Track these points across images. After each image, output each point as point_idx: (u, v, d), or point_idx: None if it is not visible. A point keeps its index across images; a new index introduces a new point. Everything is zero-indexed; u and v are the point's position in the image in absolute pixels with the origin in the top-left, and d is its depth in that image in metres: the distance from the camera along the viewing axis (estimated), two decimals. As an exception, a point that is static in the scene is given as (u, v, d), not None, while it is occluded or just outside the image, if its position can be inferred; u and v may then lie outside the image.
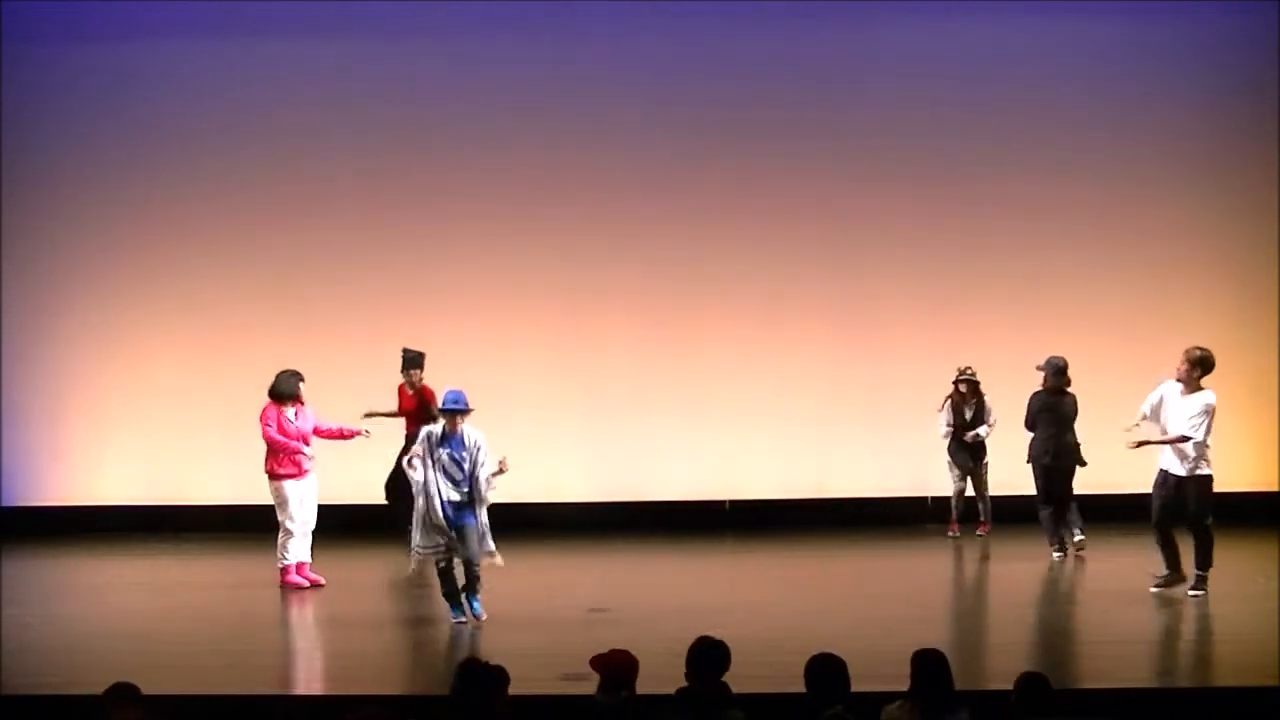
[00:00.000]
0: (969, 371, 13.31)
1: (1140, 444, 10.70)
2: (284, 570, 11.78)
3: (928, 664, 6.62)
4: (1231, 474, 14.04)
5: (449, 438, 10.17)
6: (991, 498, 13.57)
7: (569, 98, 14.53)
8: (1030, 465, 12.41)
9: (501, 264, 14.51)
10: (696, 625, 9.65)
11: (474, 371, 13.35)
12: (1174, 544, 10.77)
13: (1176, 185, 14.30)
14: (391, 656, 9.64)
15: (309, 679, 9.67)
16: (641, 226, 14.51)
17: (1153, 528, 10.79)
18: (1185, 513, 10.67)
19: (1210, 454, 10.68)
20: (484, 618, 10.24)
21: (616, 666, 6.83)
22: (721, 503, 14.48)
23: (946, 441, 13.41)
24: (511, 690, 6.67)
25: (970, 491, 13.55)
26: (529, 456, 13.50)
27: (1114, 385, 14.21)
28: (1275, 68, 13.95)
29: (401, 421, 13.28)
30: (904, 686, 6.67)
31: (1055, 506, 12.38)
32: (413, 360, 13.31)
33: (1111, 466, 14.22)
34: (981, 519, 13.56)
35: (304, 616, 11.24)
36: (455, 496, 10.20)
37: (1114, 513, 13.81)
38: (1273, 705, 7.98)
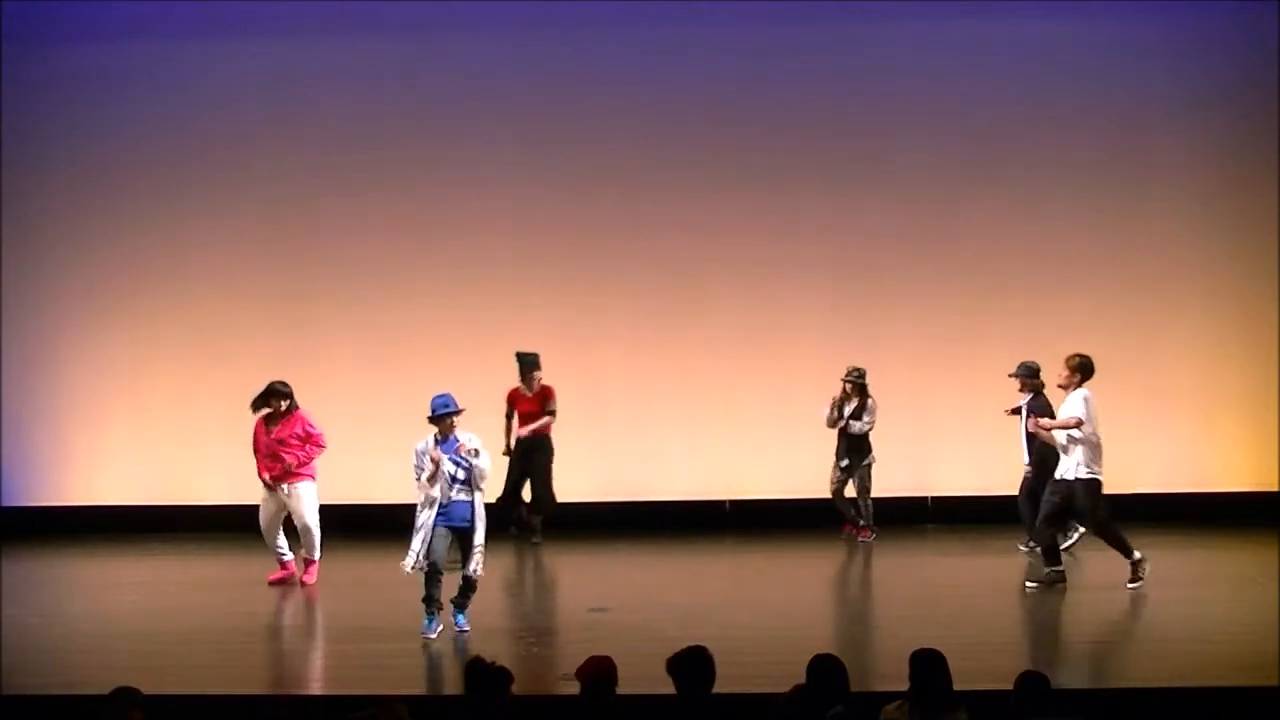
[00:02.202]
0: (855, 374, 13.22)
1: (1040, 425, 11.15)
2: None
3: (926, 664, 6.62)
4: (1231, 474, 14.12)
5: (441, 443, 10.16)
6: (989, 497, 13.53)
7: (569, 101, 14.53)
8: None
9: (501, 264, 14.50)
10: (697, 625, 9.72)
11: (474, 372, 13.38)
12: (1057, 544, 11.16)
13: (1176, 185, 14.29)
14: (393, 657, 9.63)
15: (310, 679, 9.67)
16: (642, 226, 14.51)
17: (1033, 526, 11.17)
18: (1075, 515, 11.04)
19: (1097, 456, 10.96)
20: (468, 630, 10.19)
21: (593, 673, 6.76)
22: (721, 503, 14.49)
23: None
24: (512, 690, 6.66)
25: (850, 492, 13.40)
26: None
27: (1114, 385, 14.24)
28: (1275, 68, 13.95)
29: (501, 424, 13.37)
30: (904, 686, 6.67)
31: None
32: (533, 362, 13.33)
33: (1112, 467, 14.27)
34: (862, 523, 13.37)
35: (304, 617, 11.24)
36: (463, 496, 10.20)
37: (1115, 512, 13.85)
38: (1273, 705, 7.98)
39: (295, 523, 11.96)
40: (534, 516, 13.51)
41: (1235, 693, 8.17)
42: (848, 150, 14.42)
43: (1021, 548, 12.45)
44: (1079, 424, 10.92)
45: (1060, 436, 11.07)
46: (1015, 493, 12.87)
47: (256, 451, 11.95)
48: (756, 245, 14.42)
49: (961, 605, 10.73)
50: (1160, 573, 11.88)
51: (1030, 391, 12.38)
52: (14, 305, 14.80)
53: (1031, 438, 12.19)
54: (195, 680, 8.78)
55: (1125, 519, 13.59)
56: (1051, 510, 11.10)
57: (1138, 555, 11.04)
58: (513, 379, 13.57)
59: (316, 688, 9.39)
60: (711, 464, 14.42)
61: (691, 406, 14.43)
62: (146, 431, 14.70)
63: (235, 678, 9.07)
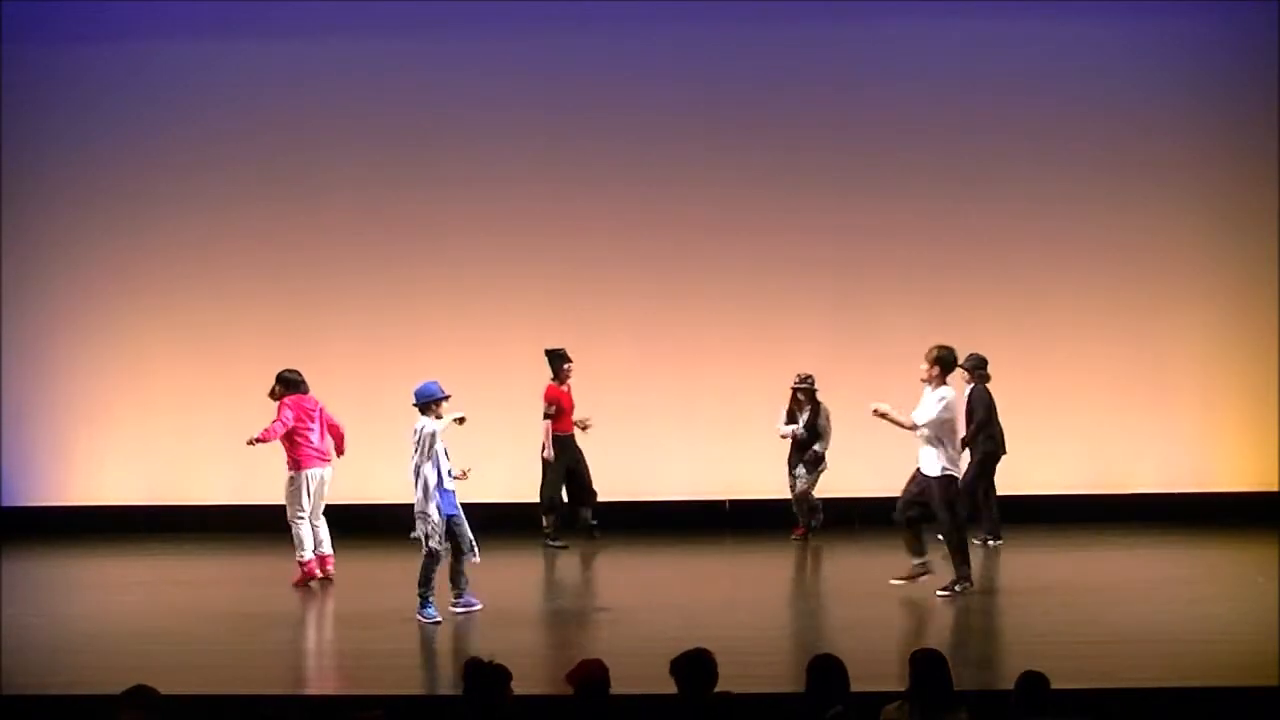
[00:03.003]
0: (807, 380, 13.28)
1: (878, 413, 10.80)
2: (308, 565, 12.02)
3: (927, 664, 6.62)
4: (1231, 474, 14.11)
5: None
6: (998, 497, 13.52)
7: (568, 102, 14.52)
8: (987, 457, 12.69)
9: (501, 264, 14.50)
10: (696, 625, 9.72)
11: (474, 372, 13.38)
12: (919, 537, 10.93)
13: (1176, 185, 14.27)
14: (393, 657, 9.63)
15: (312, 679, 9.67)
16: (641, 227, 14.51)
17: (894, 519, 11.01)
18: (930, 513, 10.90)
19: (951, 454, 10.86)
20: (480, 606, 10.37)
21: (585, 676, 6.75)
22: (721, 503, 14.49)
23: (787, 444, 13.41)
24: (512, 689, 6.66)
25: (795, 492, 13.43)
26: (529, 456, 13.55)
27: (1114, 386, 14.26)
28: (1275, 68, 13.95)
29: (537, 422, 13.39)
30: (903, 686, 6.68)
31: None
32: (565, 358, 13.32)
33: (1112, 467, 14.29)
34: (799, 524, 13.44)
35: (306, 617, 11.25)
36: (451, 486, 10.37)
37: (1115, 512, 13.87)
38: (1273, 705, 7.99)
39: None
40: (585, 510, 13.57)
41: (1235, 693, 8.17)
42: (849, 150, 14.41)
43: (974, 542, 12.46)
44: (913, 427, 10.72)
45: (920, 431, 10.80)
46: (1014, 492, 12.89)
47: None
48: (757, 245, 14.41)
49: (961, 605, 10.72)
50: (1160, 572, 11.90)
51: (975, 382, 12.61)
52: (14, 304, 14.80)
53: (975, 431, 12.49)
54: (195, 680, 8.78)
55: (1125, 519, 13.69)
56: (909, 498, 10.94)
57: (967, 572, 10.86)
58: (513, 379, 13.55)
59: (317, 688, 9.39)
60: (711, 464, 14.42)
61: (691, 406, 14.43)
62: (147, 431, 14.70)
63: (235, 678, 9.07)
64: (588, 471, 13.51)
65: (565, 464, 13.37)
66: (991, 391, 12.81)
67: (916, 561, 10.95)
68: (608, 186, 14.54)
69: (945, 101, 14.33)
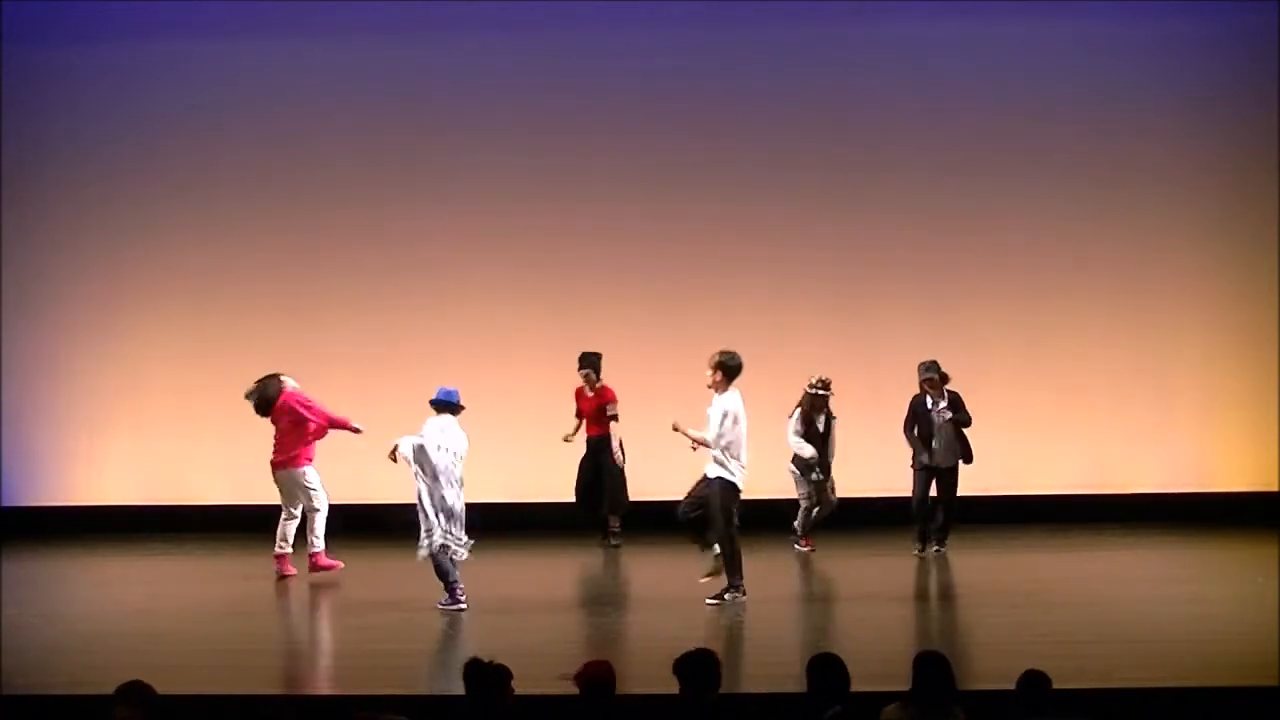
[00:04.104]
0: (828, 385, 12.73)
1: (676, 428, 10.75)
2: (316, 555, 12.05)
3: (929, 665, 6.62)
4: (1231, 474, 14.11)
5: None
6: (989, 497, 13.53)
7: (569, 107, 14.53)
8: (925, 468, 12.44)
9: (501, 266, 14.50)
10: (696, 625, 9.72)
11: (474, 372, 13.37)
12: (701, 534, 10.84)
13: (1176, 186, 14.28)
14: (393, 657, 9.64)
15: (311, 679, 9.67)
16: (641, 228, 14.52)
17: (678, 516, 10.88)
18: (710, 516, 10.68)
19: (735, 463, 10.62)
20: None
21: (592, 677, 6.75)
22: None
23: (801, 450, 12.73)
24: (512, 689, 6.66)
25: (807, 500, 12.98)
26: (529, 456, 13.56)
27: (1114, 387, 14.26)
28: (1276, 71, 13.95)
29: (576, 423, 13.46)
30: (903, 686, 6.68)
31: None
32: (592, 361, 13.28)
33: (1112, 467, 14.28)
34: (806, 535, 12.99)
35: (307, 616, 11.25)
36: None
37: (1115, 512, 13.87)
38: (1273, 705, 7.99)
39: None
40: (613, 517, 13.51)
41: (1235, 693, 8.17)
42: (849, 153, 14.41)
43: (915, 554, 12.42)
44: (707, 444, 10.63)
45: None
46: (1014, 492, 12.89)
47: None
48: (756, 245, 14.42)
49: (961, 605, 10.72)
50: (1160, 572, 11.92)
51: (920, 390, 12.40)
52: (15, 305, 14.79)
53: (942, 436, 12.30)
54: (195, 680, 8.77)
55: (1125, 519, 13.69)
56: (692, 499, 10.82)
57: (739, 582, 10.66)
58: (513, 379, 13.56)
59: (317, 688, 9.39)
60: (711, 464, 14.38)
61: (691, 407, 14.39)
62: (147, 431, 14.70)
63: (235, 678, 9.06)
64: (617, 479, 13.40)
65: (593, 468, 13.37)
66: (952, 397, 12.47)
67: (715, 553, 10.77)
68: (607, 189, 14.54)
69: (945, 103, 14.33)
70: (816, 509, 12.90)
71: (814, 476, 12.79)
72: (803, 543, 12.98)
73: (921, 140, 14.35)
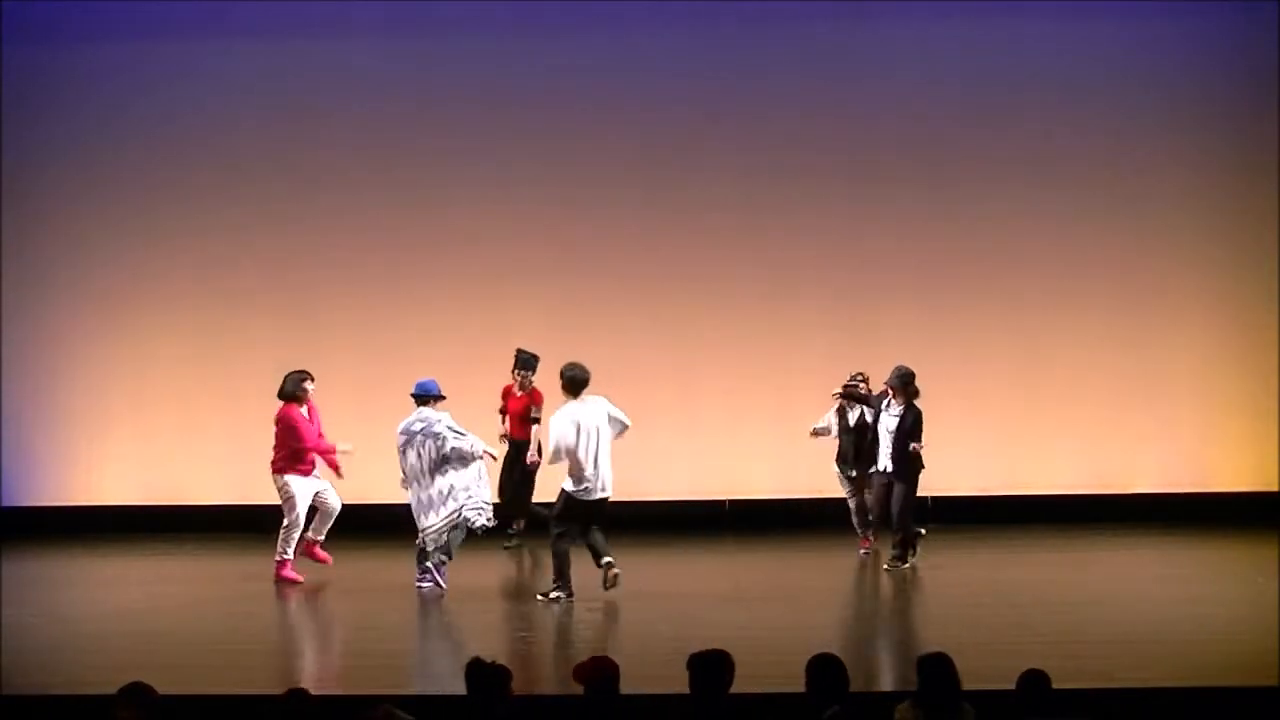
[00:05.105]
0: (853, 375, 12.54)
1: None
2: (282, 564, 11.87)
3: (934, 666, 6.63)
4: (1231, 474, 14.12)
5: None
6: (989, 497, 13.54)
7: (569, 108, 14.52)
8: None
9: (500, 265, 14.50)
10: (697, 625, 9.72)
11: (475, 372, 13.38)
12: (590, 545, 10.95)
13: (1176, 185, 14.28)
14: (393, 657, 9.64)
15: (311, 680, 9.66)
16: (641, 228, 14.52)
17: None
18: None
19: (580, 475, 10.78)
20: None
21: (595, 673, 6.74)
22: (721, 503, 14.48)
23: (835, 442, 12.67)
24: (512, 689, 6.66)
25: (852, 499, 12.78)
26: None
27: (1114, 387, 14.26)
28: (1275, 68, 13.95)
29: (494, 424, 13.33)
30: (903, 687, 6.69)
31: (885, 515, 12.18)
32: (528, 362, 13.19)
33: (1112, 467, 14.29)
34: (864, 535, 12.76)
35: (306, 617, 11.25)
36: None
37: (1114, 512, 13.87)
38: (1273, 705, 7.99)
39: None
40: (516, 519, 13.45)
41: (1235, 693, 8.17)
42: (849, 153, 14.40)
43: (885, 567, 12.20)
44: (550, 458, 10.88)
45: None
46: (1014, 492, 12.88)
47: (319, 442, 12.11)
48: (756, 245, 14.42)
49: (961, 605, 10.73)
50: (1160, 572, 11.91)
51: (903, 399, 12.02)
52: (15, 305, 14.79)
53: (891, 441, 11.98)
54: (195, 680, 8.77)
55: (1125, 519, 13.70)
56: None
57: (566, 584, 10.82)
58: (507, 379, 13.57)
59: (317, 688, 9.37)
60: (711, 464, 14.42)
61: (691, 406, 14.43)
62: (147, 431, 14.69)
63: (236, 678, 9.07)
64: (526, 482, 13.34)
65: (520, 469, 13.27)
66: (921, 407, 12.21)
67: (603, 560, 10.86)
68: (607, 189, 14.53)
69: (942, 107, 14.32)
70: (861, 506, 12.61)
71: (850, 473, 12.63)
72: (863, 544, 12.70)
73: (922, 141, 14.34)
